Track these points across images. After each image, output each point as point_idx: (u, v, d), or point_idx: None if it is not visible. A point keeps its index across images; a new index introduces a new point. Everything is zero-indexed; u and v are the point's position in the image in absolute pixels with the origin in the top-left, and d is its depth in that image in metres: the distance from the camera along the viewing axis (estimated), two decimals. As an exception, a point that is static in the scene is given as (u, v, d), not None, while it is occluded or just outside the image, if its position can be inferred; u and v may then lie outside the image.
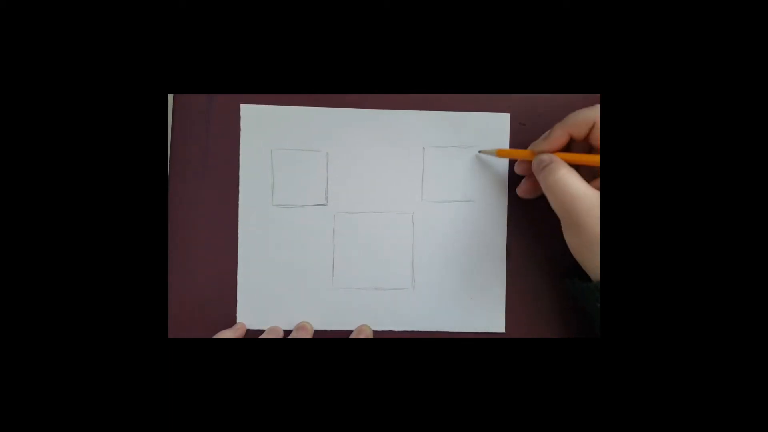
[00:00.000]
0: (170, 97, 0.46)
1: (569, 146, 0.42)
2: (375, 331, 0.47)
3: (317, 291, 0.47)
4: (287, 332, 0.46)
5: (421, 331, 0.47)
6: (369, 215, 0.47)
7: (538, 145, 0.42)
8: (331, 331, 0.47)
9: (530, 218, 0.47)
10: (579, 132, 0.40)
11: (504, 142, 0.47)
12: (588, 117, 0.40)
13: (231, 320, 0.47)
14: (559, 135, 0.41)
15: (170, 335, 0.45)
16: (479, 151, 0.47)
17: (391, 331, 0.47)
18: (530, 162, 0.43)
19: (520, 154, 0.44)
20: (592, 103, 0.46)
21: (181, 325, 0.46)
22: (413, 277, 0.47)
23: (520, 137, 0.47)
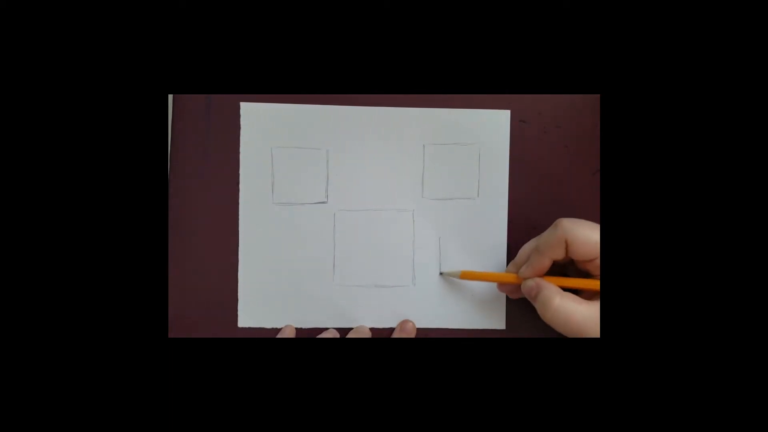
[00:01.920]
0: (170, 96, 0.46)
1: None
2: (376, 329, 0.47)
3: (318, 289, 0.47)
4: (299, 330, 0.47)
5: (421, 329, 0.47)
6: (369, 213, 0.47)
7: (523, 272, 0.41)
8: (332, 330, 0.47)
9: (530, 215, 0.47)
10: (558, 254, 0.39)
11: (504, 140, 0.47)
12: (558, 238, 0.38)
13: (231, 319, 0.47)
14: (539, 264, 0.40)
15: (170, 335, 0.46)
16: (441, 273, 0.47)
17: (391, 329, 0.47)
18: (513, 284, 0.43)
19: (489, 277, 0.44)
20: (592, 103, 0.46)
21: (181, 325, 0.46)
22: (414, 274, 0.47)
23: (521, 135, 0.47)
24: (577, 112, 0.47)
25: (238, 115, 0.46)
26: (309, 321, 0.47)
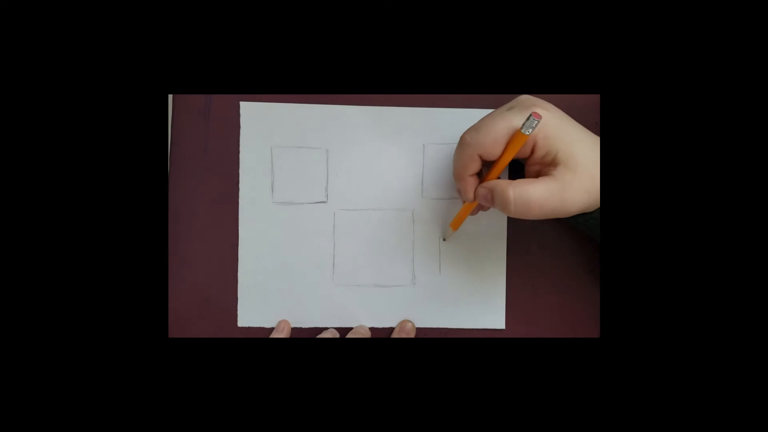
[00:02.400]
0: (170, 96, 0.46)
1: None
2: (376, 328, 0.47)
3: (318, 288, 0.47)
4: (298, 329, 0.47)
5: (421, 328, 0.47)
6: (369, 212, 0.47)
7: (461, 197, 0.41)
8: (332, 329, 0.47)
9: (530, 215, 0.47)
10: (475, 168, 0.38)
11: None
12: (468, 155, 0.37)
13: (232, 319, 0.47)
14: (468, 184, 0.39)
15: (170, 334, 0.46)
16: (443, 239, 0.47)
17: (391, 328, 0.47)
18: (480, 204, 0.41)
19: (464, 211, 0.43)
20: (592, 102, 0.47)
21: (180, 324, 0.46)
22: (414, 273, 0.47)
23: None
24: (577, 112, 0.47)
25: (238, 115, 0.46)
26: (309, 320, 0.47)
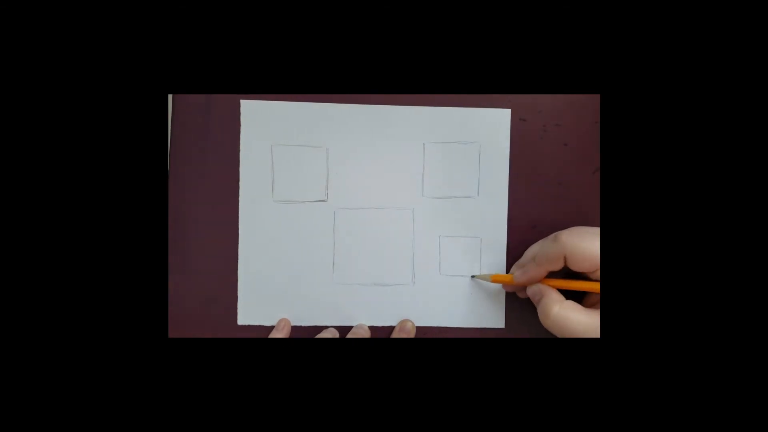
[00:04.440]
0: (170, 96, 0.46)
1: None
2: (375, 327, 0.47)
3: (317, 287, 0.47)
4: (298, 328, 0.47)
5: (421, 327, 0.47)
6: (369, 211, 0.47)
7: (518, 277, 0.42)
8: (332, 328, 0.47)
9: (530, 214, 0.47)
10: (555, 267, 0.39)
11: (504, 139, 0.47)
12: (556, 253, 0.39)
13: (232, 318, 0.47)
14: (537, 274, 0.41)
15: (169, 332, 0.46)
16: (472, 276, 0.47)
17: (391, 327, 0.47)
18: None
19: (508, 281, 0.44)
20: (592, 102, 0.46)
21: (180, 322, 0.46)
22: (413, 273, 0.47)
23: (521, 133, 0.47)
24: (577, 111, 0.47)
25: (238, 113, 0.46)
26: (308, 319, 0.47)
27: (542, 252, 0.40)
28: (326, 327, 0.47)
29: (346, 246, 0.47)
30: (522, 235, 0.47)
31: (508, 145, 0.47)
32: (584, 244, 0.37)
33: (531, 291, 0.41)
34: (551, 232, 0.47)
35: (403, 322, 0.46)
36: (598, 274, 0.38)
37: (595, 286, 0.39)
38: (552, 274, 0.41)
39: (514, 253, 0.47)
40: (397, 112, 0.47)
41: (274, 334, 0.46)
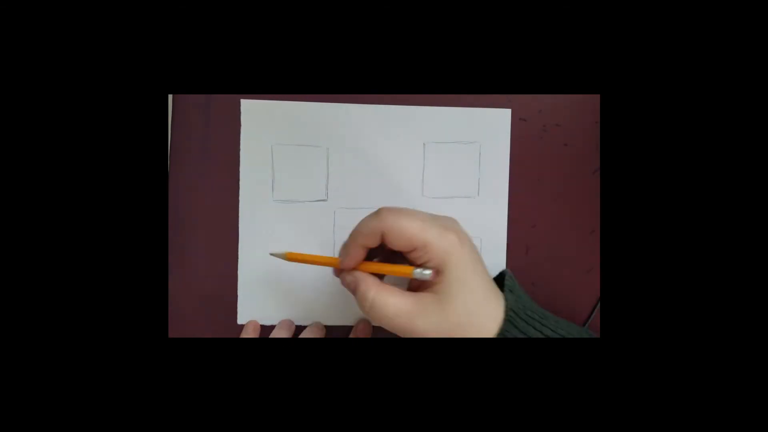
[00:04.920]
0: (170, 96, 0.46)
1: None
2: (375, 327, 0.47)
3: (317, 287, 0.47)
4: (299, 326, 0.47)
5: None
6: (369, 211, 0.47)
7: (343, 259, 0.39)
8: (332, 327, 0.47)
9: (531, 214, 0.47)
10: (372, 242, 0.37)
11: (505, 139, 0.47)
12: (374, 228, 0.36)
13: (231, 318, 0.47)
14: (355, 252, 0.38)
15: (169, 330, 0.46)
16: (270, 253, 0.43)
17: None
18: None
19: (313, 260, 0.41)
20: (592, 101, 0.47)
21: (180, 321, 0.46)
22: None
23: (521, 133, 0.47)
24: (577, 111, 0.47)
25: (239, 112, 0.46)
26: (308, 318, 0.47)
27: (361, 226, 0.37)
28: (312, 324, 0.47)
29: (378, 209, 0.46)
30: (522, 235, 0.47)
31: (508, 145, 0.47)
32: (403, 222, 0.35)
33: (347, 281, 0.39)
34: (551, 232, 0.47)
35: (359, 321, 0.47)
36: (415, 255, 0.36)
37: (407, 270, 0.36)
38: (373, 256, 0.39)
39: (514, 253, 0.47)
40: (397, 111, 0.47)
41: (275, 334, 0.46)
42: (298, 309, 0.47)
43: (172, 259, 0.46)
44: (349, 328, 0.47)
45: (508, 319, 0.36)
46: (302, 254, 0.42)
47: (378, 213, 0.37)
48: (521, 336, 0.36)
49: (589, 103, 0.47)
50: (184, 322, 0.46)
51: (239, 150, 0.46)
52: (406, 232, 0.35)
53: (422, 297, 0.36)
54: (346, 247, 0.38)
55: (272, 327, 0.46)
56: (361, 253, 0.38)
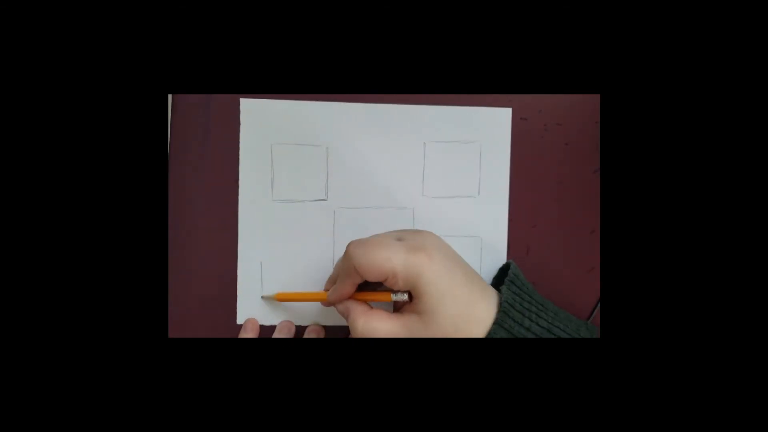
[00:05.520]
0: (169, 96, 0.46)
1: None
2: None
3: (318, 287, 0.47)
4: (298, 327, 0.47)
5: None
6: (369, 210, 0.47)
7: (330, 295, 0.41)
8: (332, 327, 0.47)
9: (531, 213, 0.47)
10: (356, 279, 0.39)
11: (505, 138, 0.47)
12: (348, 267, 0.38)
13: (231, 318, 0.47)
14: (342, 290, 0.40)
15: (169, 330, 0.46)
16: (262, 297, 0.47)
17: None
18: None
19: (303, 298, 0.45)
20: (593, 101, 0.46)
21: (179, 321, 0.46)
22: (413, 272, 0.47)
23: (521, 132, 0.47)
24: (578, 110, 0.47)
25: (238, 112, 0.46)
26: (308, 318, 0.47)
27: (340, 268, 0.40)
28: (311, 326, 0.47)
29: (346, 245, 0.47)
30: (522, 235, 0.47)
31: (508, 144, 0.47)
32: (369, 256, 0.37)
33: (339, 310, 0.41)
34: (551, 232, 0.47)
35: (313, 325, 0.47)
36: (390, 282, 0.37)
37: (386, 296, 0.39)
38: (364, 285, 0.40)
39: (514, 253, 0.47)
40: (397, 110, 0.46)
41: (276, 335, 0.46)
42: (298, 309, 0.47)
43: (172, 259, 0.46)
44: (348, 328, 0.47)
45: (503, 311, 0.37)
46: (292, 294, 0.45)
47: (346, 252, 0.38)
48: (515, 326, 0.37)
49: (591, 103, 0.47)
50: (184, 322, 0.46)
51: (239, 149, 0.46)
52: (373, 266, 0.37)
53: (407, 318, 0.38)
54: (335, 287, 0.41)
55: (272, 327, 0.46)
56: (348, 290, 0.40)
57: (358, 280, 0.39)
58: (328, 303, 0.42)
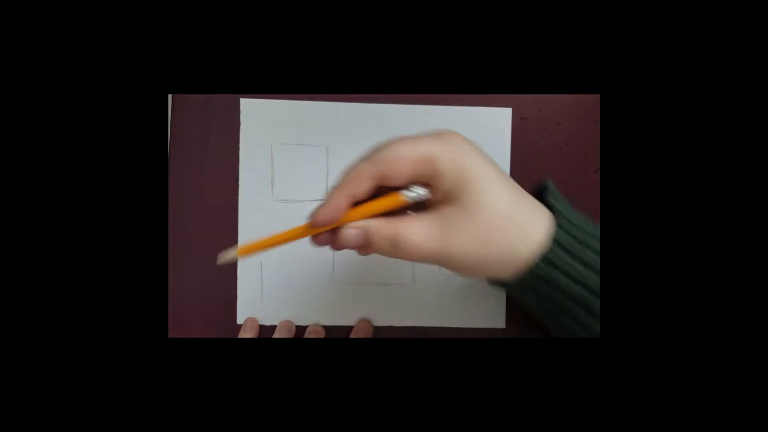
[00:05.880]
0: (169, 96, 0.46)
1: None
2: (375, 327, 0.47)
3: (318, 287, 0.47)
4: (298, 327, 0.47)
5: (421, 327, 0.47)
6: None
7: (320, 211, 0.32)
8: (332, 327, 0.47)
9: (531, 214, 0.47)
10: (402, 173, 0.31)
11: (505, 137, 0.47)
12: (371, 166, 0.31)
13: (231, 318, 0.47)
14: (337, 201, 0.31)
15: (169, 330, 0.46)
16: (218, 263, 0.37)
17: (391, 327, 0.47)
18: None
19: (281, 238, 0.34)
20: (593, 100, 0.46)
21: (179, 321, 0.46)
22: (413, 272, 0.47)
23: (521, 132, 0.47)
24: (578, 110, 0.47)
25: (238, 111, 0.46)
26: (308, 318, 0.47)
27: (350, 173, 0.32)
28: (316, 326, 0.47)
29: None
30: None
31: (509, 144, 0.47)
32: (399, 144, 0.31)
33: (349, 235, 0.31)
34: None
35: (361, 321, 0.46)
36: (428, 173, 0.31)
37: (393, 200, 0.32)
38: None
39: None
40: (397, 110, 0.46)
41: (277, 335, 0.46)
42: (298, 309, 0.47)
43: (172, 258, 0.46)
44: (349, 328, 0.47)
45: (559, 226, 0.32)
46: (259, 241, 0.34)
47: (366, 154, 0.32)
48: (574, 247, 0.31)
49: (591, 102, 0.47)
50: (184, 322, 0.46)
51: (239, 149, 0.46)
52: (406, 154, 0.30)
53: (443, 212, 0.31)
54: (323, 204, 0.32)
55: (272, 327, 0.46)
56: (344, 202, 0.31)
57: (367, 189, 0.31)
58: (317, 224, 0.32)
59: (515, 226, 0.31)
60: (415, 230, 0.31)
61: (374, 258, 0.46)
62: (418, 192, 0.31)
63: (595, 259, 0.32)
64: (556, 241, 0.31)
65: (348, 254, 0.46)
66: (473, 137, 0.46)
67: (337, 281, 0.47)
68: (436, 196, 0.32)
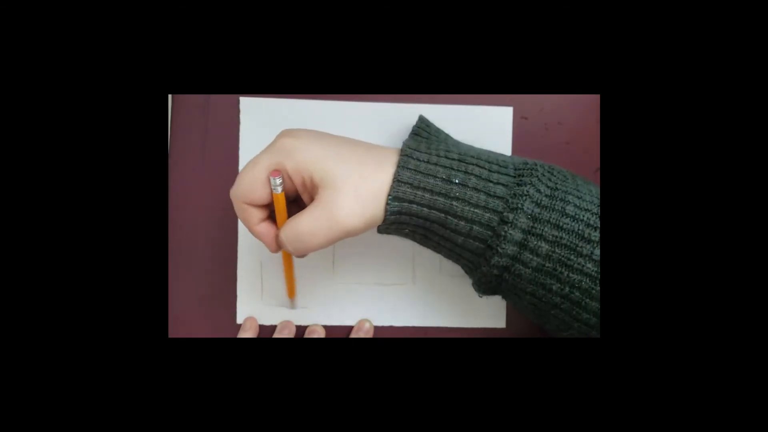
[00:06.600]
0: (169, 96, 0.46)
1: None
2: (375, 327, 0.47)
3: (318, 286, 0.47)
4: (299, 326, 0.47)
5: (421, 327, 0.47)
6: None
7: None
8: (332, 327, 0.47)
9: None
10: (256, 194, 0.36)
11: (506, 136, 0.47)
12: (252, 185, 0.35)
13: (231, 318, 0.47)
14: (247, 221, 0.37)
15: (169, 330, 0.46)
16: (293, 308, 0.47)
17: (391, 327, 0.47)
18: None
19: (287, 269, 0.43)
20: (595, 102, 0.46)
21: (179, 321, 0.46)
22: (414, 272, 0.47)
23: (522, 131, 0.47)
24: (579, 109, 0.47)
25: (238, 110, 0.46)
26: (308, 318, 0.47)
27: (240, 219, 0.38)
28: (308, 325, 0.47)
29: (346, 245, 0.47)
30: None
31: (510, 143, 0.47)
32: (240, 182, 0.36)
33: (280, 244, 0.37)
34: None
35: (361, 321, 0.46)
36: (280, 205, 0.36)
37: (280, 205, 0.36)
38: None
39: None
40: (398, 109, 0.46)
41: (277, 335, 0.46)
42: (299, 309, 0.47)
43: (172, 259, 0.46)
44: (349, 328, 0.47)
45: (405, 155, 0.36)
46: (288, 284, 0.44)
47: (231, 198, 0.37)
48: (420, 165, 0.35)
49: (592, 101, 0.47)
50: (184, 322, 0.46)
51: (239, 149, 0.46)
52: (253, 182, 0.35)
53: (319, 197, 0.35)
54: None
55: (272, 327, 0.46)
56: (268, 230, 0.38)
57: (260, 216, 0.37)
58: (273, 249, 0.38)
59: (367, 182, 0.35)
60: (303, 221, 0.35)
61: (374, 258, 0.47)
62: (275, 183, 0.35)
63: (446, 160, 0.36)
64: (398, 180, 0.35)
65: (348, 254, 0.47)
66: (475, 136, 0.46)
67: (337, 281, 0.47)
68: (308, 185, 0.36)
